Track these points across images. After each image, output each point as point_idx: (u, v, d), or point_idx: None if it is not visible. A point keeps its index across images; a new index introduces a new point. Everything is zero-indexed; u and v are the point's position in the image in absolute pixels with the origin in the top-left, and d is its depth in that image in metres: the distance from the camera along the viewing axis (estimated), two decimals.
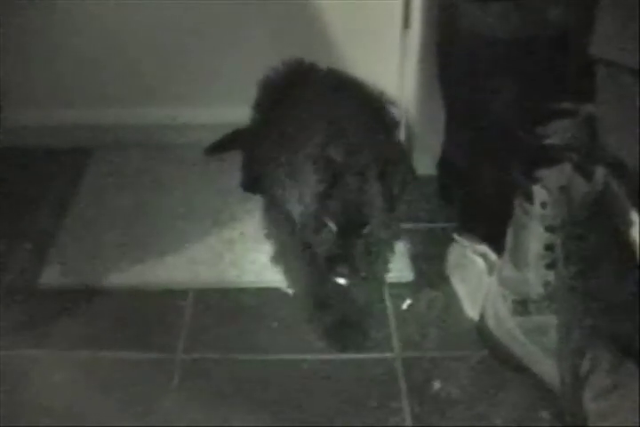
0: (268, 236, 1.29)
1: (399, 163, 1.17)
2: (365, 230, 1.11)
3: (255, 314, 1.22)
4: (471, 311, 1.21)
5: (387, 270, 1.24)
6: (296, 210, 1.17)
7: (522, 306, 1.08)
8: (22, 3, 1.51)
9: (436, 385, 1.09)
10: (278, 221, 1.25)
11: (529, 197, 1.05)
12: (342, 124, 1.18)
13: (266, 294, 1.25)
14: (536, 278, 1.06)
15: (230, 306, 1.24)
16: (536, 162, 1.06)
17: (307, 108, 1.26)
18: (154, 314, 1.22)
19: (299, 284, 1.23)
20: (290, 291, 1.24)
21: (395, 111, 1.37)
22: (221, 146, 1.58)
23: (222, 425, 1.03)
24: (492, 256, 1.21)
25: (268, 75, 1.40)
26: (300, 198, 1.14)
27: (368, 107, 1.30)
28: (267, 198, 1.31)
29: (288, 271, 1.24)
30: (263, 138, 1.33)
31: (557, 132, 1.10)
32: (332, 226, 1.11)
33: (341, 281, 1.19)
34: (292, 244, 1.22)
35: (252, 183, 1.43)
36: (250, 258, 1.31)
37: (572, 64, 1.10)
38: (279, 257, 1.25)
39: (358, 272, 1.13)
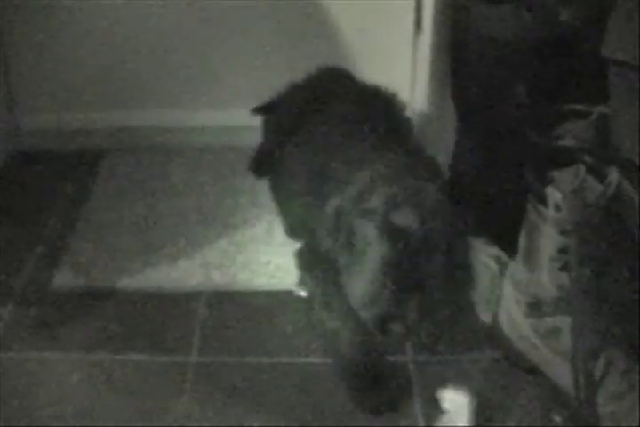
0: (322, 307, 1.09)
1: (464, 233, 1.01)
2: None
3: (267, 317, 1.22)
4: (484, 314, 1.20)
5: None
6: (359, 290, 0.96)
7: (535, 309, 1.07)
8: (32, 10, 1.52)
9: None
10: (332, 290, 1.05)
11: (542, 200, 1.04)
12: (385, 171, 1.01)
13: (278, 297, 1.25)
14: (549, 281, 1.05)
15: (242, 309, 1.24)
16: (549, 164, 1.05)
17: (338, 130, 1.15)
18: (167, 317, 1.22)
19: (343, 354, 1.10)
20: (302, 293, 1.23)
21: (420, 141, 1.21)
22: (267, 108, 1.44)
23: None
24: (505, 259, 1.21)
25: (300, 81, 1.34)
26: (363, 276, 0.95)
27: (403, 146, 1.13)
28: (306, 246, 1.14)
29: (334, 339, 1.10)
30: (287, 140, 1.26)
31: (570, 134, 1.09)
32: (390, 285, 0.95)
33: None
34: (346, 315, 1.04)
35: (261, 167, 1.40)
36: (262, 261, 1.32)
37: (584, 65, 1.10)
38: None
39: (411, 332, 0.99)
